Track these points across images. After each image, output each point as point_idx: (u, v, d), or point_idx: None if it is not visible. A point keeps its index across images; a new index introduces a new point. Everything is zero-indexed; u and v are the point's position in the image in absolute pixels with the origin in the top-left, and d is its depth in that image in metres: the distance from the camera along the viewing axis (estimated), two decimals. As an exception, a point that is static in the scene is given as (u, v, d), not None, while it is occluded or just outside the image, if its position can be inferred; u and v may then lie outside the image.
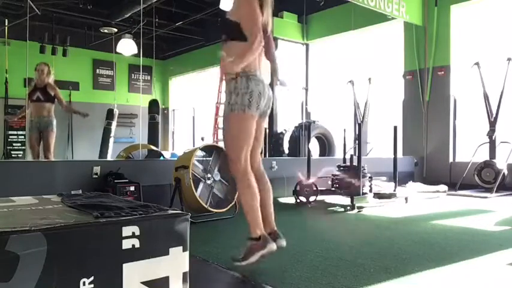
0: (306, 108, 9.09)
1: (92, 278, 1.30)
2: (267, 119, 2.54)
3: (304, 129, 7.81)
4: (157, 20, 9.70)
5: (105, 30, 10.26)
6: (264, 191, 2.43)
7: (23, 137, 9.01)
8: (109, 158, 9.34)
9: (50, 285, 1.23)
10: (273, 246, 2.28)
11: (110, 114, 9.95)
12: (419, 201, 5.31)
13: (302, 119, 8.70)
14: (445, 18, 7.23)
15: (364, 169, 4.92)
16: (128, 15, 9.54)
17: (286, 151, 8.40)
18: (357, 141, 5.41)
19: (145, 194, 4.10)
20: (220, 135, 10.28)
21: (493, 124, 6.31)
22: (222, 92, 10.20)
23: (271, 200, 2.47)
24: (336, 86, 8.78)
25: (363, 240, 3.16)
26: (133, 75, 12.68)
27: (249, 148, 2.36)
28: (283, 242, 2.41)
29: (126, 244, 1.38)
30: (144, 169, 4.60)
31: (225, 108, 2.38)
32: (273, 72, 2.56)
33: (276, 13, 9.14)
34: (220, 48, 2.48)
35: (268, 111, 2.48)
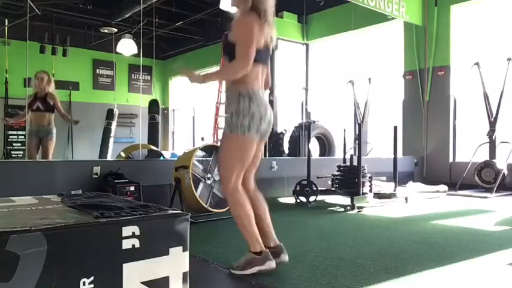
0: (306, 108, 9.08)
1: (92, 278, 1.30)
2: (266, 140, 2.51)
3: (304, 129, 7.81)
4: (157, 20, 9.70)
5: (105, 30, 10.26)
6: (261, 207, 2.42)
7: (22, 137, 9.00)
8: (109, 158, 9.34)
9: (50, 285, 1.23)
10: (272, 264, 2.25)
11: (110, 114, 9.95)
12: (419, 201, 5.31)
13: (302, 119, 8.70)
14: (445, 18, 7.23)
15: (364, 169, 4.92)
16: (128, 15, 9.54)
17: (286, 151, 8.40)
18: (357, 141, 5.41)
19: (145, 194, 4.10)
20: (220, 135, 10.29)
21: (493, 124, 6.31)
22: (222, 92, 10.20)
23: (269, 217, 2.44)
24: (336, 86, 8.78)
25: (363, 240, 3.16)
26: (133, 75, 12.67)
27: (242, 170, 2.32)
28: (286, 257, 2.38)
29: (126, 244, 1.38)
30: (144, 169, 4.60)
31: (224, 127, 2.34)
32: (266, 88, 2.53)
33: (276, 13, 9.13)
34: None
35: (268, 134, 2.43)
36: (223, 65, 9.94)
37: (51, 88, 5.75)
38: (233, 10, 2.43)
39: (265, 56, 2.35)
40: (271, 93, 8.69)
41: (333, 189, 5.14)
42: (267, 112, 2.33)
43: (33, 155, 5.63)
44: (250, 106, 2.25)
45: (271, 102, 8.69)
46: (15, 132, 9.44)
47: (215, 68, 10.24)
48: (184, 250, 1.50)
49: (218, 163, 2.47)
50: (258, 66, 2.30)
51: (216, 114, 10.18)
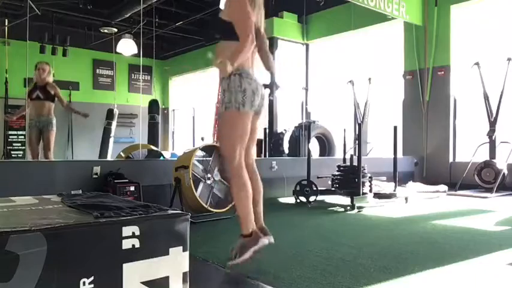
0: (306, 108, 9.08)
1: (92, 278, 1.30)
2: (261, 118, 2.54)
3: (304, 129, 7.81)
4: (157, 20, 9.71)
5: (105, 30, 10.26)
6: (255, 189, 2.44)
7: (22, 137, 9.01)
8: (109, 158, 9.34)
9: (50, 285, 1.23)
10: (264, 240, 2.32)
11: (110, 114, 9.94)
12: (419, 201, 5.30)
13: (302, 119, 8.70)
14: (445, 18, 7.23)
15: (364, 169, 4.92)
16: (128, 15, 9.54)
17: (286, 151, 8.40)
18: (357, 141, 5.41)
19: (145, 194, 4.09)
20: (220, 135, 10.28)
21: (493, 124, 6.31)
22: (222, 92, 10.21)
23: (261, 197, 2.49)
24: (336, 86, 8.78)
25: (363, 240, 3.16)
26: (133, 75, 12.68)
27: (243, 146, 2.37)
28: (272, 239, 2.43)
29: (126, 244, 1.38)
30: (144, 169, 4.60)
31: (219, 107, 2.40)
32: (268, 68, 2.56)
33: (276, 13, 9.15)
34: (211, 50, 2.51)
35: (263, 110, 2.49)
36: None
37: (51, 79, 5.74)
38: None
39: (253, 36, 2.37)
40: (271, 93, 8.69)
41: (333, 189, 5.14)
42: (258, 87, 2.39)
43: (34, 147, 5.59)
44: (241, 82, 2.31)
45: (271, 102, 8.70)
46: (15, 132, 9.44)
47: (215, 68, 10.25)
48: (184, 250, 1.50)
49: (219, 141, 2.50)
50: None
51: (216, 114, 10.16)
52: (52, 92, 5.63)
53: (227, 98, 2.32)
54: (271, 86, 8.45)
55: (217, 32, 2.47)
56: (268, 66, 2.55)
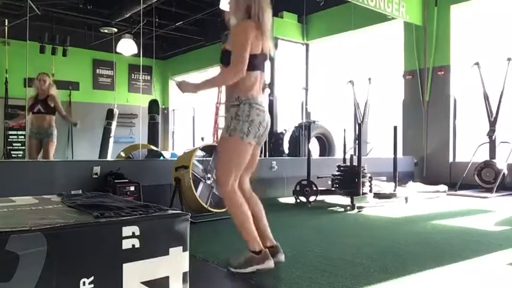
0: (306, 108, 9.08)
1: (92, 278, 1.30)
2: (262, 145, 2.53)
3: (304, 129, 7.81)
4: (157, 20, 9.71)
5: (105, 30, 10.26)
6: (257, 208, 2.44)
7: (22, 137, 9.00)
8: (109, 158, 9.34)
9: (50, 285, 1.23)
10: (271, 263, 2.28)
11: (110, 114, 9.94)
12: (419, 201, 5.30)
13: (302, 119, 8.70)
14: (445, 18, 7.22)
15: (364, 169, 4.92)
16: (128, 15, 9.54)
17: (286, 151, 8.40)
18: (357, 141, 5.41)
19: (145, 194, 4.10)
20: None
21: (493, 124, 6.31)
22: (222, 92, 10.19)
23: (264, 215, 2.47)
24: (336, 86, 8.78)
25: (362, 240, 3.15)
26: (133, 75, 12.68)
27: (238, 173, 2.36)
28: (282, 257, 2.41)
29: (126, 244, 1.38)
30: (144, 169, 4.60)
31: (223, 130, 2.37)
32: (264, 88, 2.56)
33: (276, 13, 9.14)
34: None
35: (265, 138, 2.48)
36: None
37: (53, 90, 5.74)
38: (227, 16, 2.46)
39: (263, 62, 2.39)
40: (271, 93, 8.69)
41: (333, 189, 5.14)
42: (265, 117, 2.38)
43: (34, 156, 5.63)
44: (250, 112, 2.29)
45: (271, 102, 8.70)
46: (15, 132, 9.44)
47: (215, 68, 10.26)
48: (184, 250, 1.50)
49: (216, 164, 2.49)
50: (256, 72, 2.34)
51: (216, 114, 10.17)
52: (52, 105, 5.65)
53: (232, 125, 2.29)
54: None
55: (220, 61, 2.43)
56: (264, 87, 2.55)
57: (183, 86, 2.42)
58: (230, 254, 2.42)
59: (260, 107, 2.34)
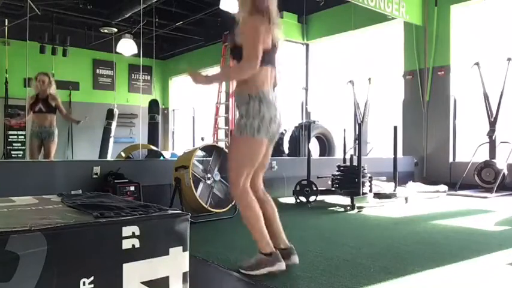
0: (306, 108, 9.08)
1: (92, 278, 1.30)
2: (274, 143, 2.47)
3: (304, 129, 7.80)
4: (157, 20, 9.70)
5: (105, 30, 10.25)
6: (270, 209, 2.40)
7: (22, 137, 9.00)
8: (109, 158, 9.34)
9: (50, 285, 1.23)
10: (282, 265, 2.24)
11: (110, 114, 9.94)
12: (419, 201, 5.30)
13: (302, 119, 8.70)
14: (445, 18, 7.23)
15: (364, 169, 4.92)
16: (128, 15, 9.53)
17: (286, 151, 8.39)
18: (357, 141, 5.41)
19: (145, 194, 4.09)
20: (220, 135, 10.30)
21: (493, 124, 6.31)
22: (222, 92, 10.21)
23: (277, 216, 2.43)
24: (336, 86, 8.78)
25: (363, 240, 3.16)
26: (133, 75, 12.67)
27: (250, 172, 2.31)
28: (296, 259, 2.37)
29: (126, 244, 1.38)
30: (144, 169, 4.60)
31: (234, 129, 2.33)
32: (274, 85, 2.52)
33: (276, 13, 9.14)
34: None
35: (277, 136, 2.41)
36: (222, 64, 9.96)
37: (53, 89, 5.72)
38: (235, 11, 2.43)
39: (273, 57, 2.35)
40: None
41: (333, 189, 5.14)
42: (277, 114, 2.32)
43: (35, 156, 5.62)
44: (260, 108, 2.24)
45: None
46: (15, 132, 9.43)
47: (215, 68, 10.27)
48: (184, 250, 1.50)
49: (226, 165, 2.45)
50: (266, 67, 2.29)
51: (216, 114, 10.18)
52: (53, 104, 5.64)
53: (243, 122, 2.24)
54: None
55: (232, 56, 2.39)
56: (274, 83, 2.51)
57: (196, 77, 2.37)
58: (241, 256, 2.38)
59: (270, 103, 2.28)
